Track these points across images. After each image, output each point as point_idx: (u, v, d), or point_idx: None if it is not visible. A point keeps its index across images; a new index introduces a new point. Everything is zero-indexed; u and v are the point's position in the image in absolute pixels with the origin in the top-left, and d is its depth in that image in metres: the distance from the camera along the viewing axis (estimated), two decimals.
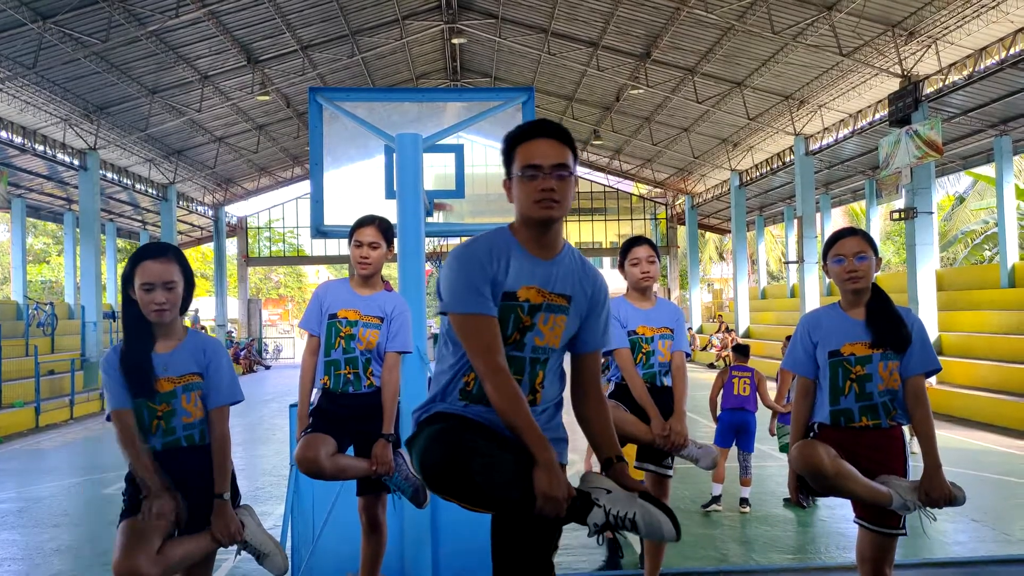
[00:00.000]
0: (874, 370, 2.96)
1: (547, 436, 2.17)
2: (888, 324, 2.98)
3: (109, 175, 22.21)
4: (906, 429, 3.11)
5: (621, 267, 4.06)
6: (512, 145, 2.22)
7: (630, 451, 3.90)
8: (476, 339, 2.11)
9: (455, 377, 2.20)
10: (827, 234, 25.09)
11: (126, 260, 3.05)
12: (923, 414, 3.00)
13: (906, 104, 15.16)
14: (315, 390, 3.76)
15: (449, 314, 2.16)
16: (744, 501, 7.28)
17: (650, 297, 4.05)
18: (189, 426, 2.81)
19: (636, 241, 4.04)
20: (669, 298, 35.51)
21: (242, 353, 28.86)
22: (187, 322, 2.94)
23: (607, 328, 2.34)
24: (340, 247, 29.75)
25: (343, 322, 3.65)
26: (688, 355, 4.15)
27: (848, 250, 3.02)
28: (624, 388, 3.94)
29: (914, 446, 6.17)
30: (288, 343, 38.08)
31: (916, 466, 2.99)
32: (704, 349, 27.85)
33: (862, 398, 2.97)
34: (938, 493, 2.94)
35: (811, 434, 3.11)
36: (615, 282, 13.91)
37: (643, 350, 3.95)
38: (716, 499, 7.22)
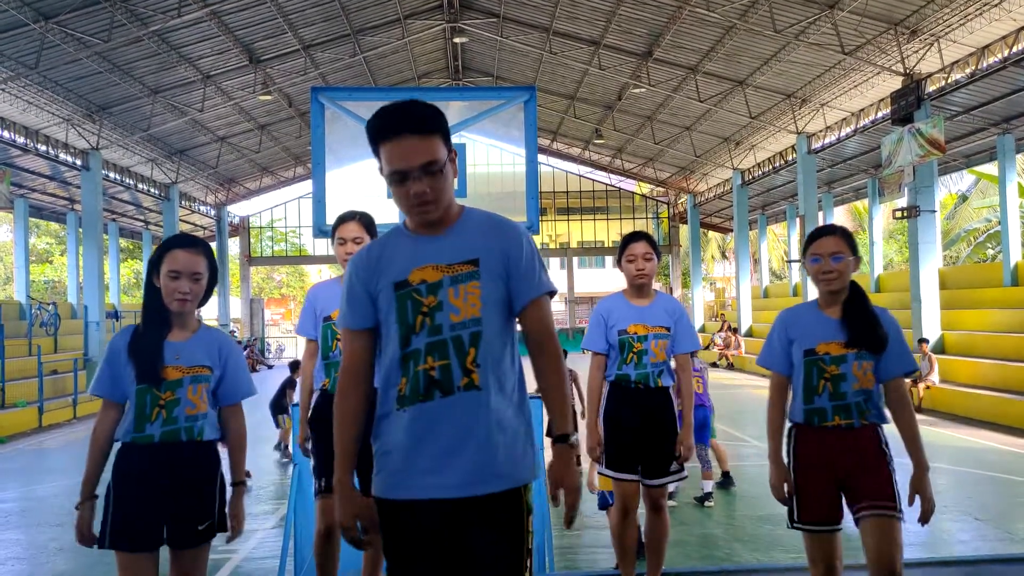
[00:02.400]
0: (848, 370, 2.95)
1: (499, 459, 2.01)
2: (864, 324, 2.97)
3: (111, 175, 22.23)
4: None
5: (619, 263, 3.96)
6: (375, 141, 2.04)
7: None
8: (344, 348, 2.17)
9: (388, 384, 2.09)
10: None
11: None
12: (907, 416, 2.99)
13: (908, 102, 15.14)
14: (315, 392, 3.73)
15: None
16: (708, 496, 7.41)
17: (648, 294, 3.92)
18: (191, 418, 2.80)
19: (633, 237, 3.93)
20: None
21: (244, 352, 28.88)
22: None
23: (540, 272, 2.11)
24: None
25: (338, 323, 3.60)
26: (695, 351, 4.04)
27: (824, 250, 3.01)
28: (616, 387, 3.86)
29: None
30: (290, 343, 38.04)
31: (903, 461, 2.97)
32: (706, 348, 27.83)
33: (835, 397, 2.97)
34: (926, 496, 2.91)
35: (791, 435, 3.12)
36: (616, 282, 13.85)
37: (634, 349, 3.79)
38: (709, 495, 7.35)
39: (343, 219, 3.65)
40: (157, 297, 2.81)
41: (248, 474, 3.06)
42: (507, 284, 2.07)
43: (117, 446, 2.82)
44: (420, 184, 2.00)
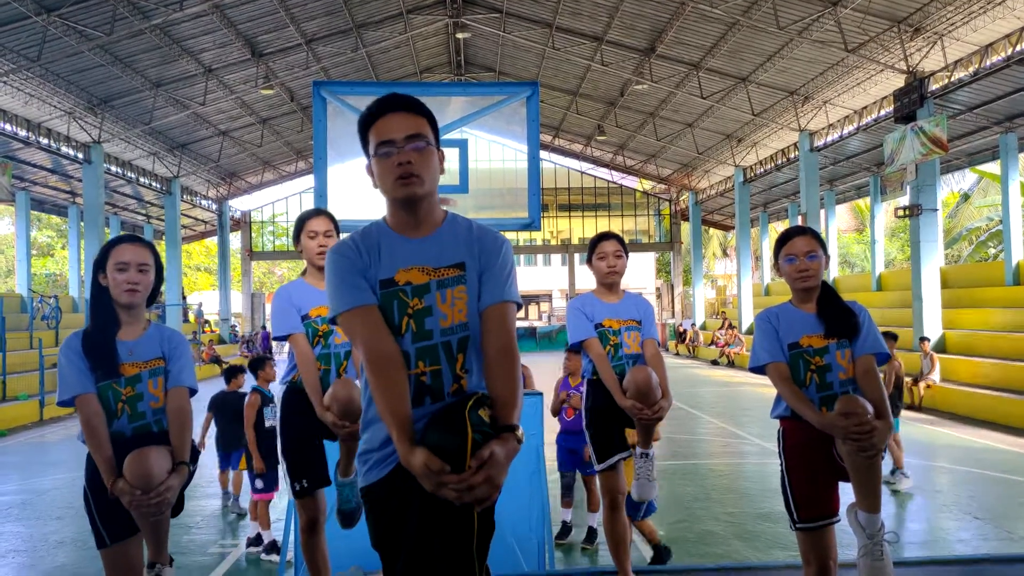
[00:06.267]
0: (832, 360, 3.05)
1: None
2: (838, 314, 3.09)
3: (113, 168, 22.24)
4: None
5: (589, 262, 4.08)
6: (365, 129, 2.09)
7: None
8: (356, 332, 2.00)
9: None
10: (831, 231, 25.09)
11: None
12: (873, 382, 3.01)
13: (911, 100, 15.12)
14: (280, 385, 3.72)
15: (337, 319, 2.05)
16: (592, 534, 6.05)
17: (617, 292, 4.07)
18: (159, 411, 2.85)
19: (604, 236, 4.06)
20: (672, 294, 35.57)
21: (245, 347, 28.83)
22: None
23: (511, 282, 2.11)
24: None
25: (318, 320, 3.51)
26: (658, 343, 4.14)
27: (799, 249, 3.12)
28: (597, 384, 3.92)
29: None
30: None
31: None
32: (709, 345, 27.82)
33: (822, 388, 3.04)
34: (879, 438, 2.86)
35: (779, 433, 3.16)
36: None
37: (611, 342, 3.93)
38: (592, 533, 6.06)
39: (310, 215, 3.65)
40: (104, 296, 2.84)
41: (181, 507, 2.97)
42: (479, 284, 2.09)
43: (85, 448, 2.82)
44: (405, 155, 2.02)
